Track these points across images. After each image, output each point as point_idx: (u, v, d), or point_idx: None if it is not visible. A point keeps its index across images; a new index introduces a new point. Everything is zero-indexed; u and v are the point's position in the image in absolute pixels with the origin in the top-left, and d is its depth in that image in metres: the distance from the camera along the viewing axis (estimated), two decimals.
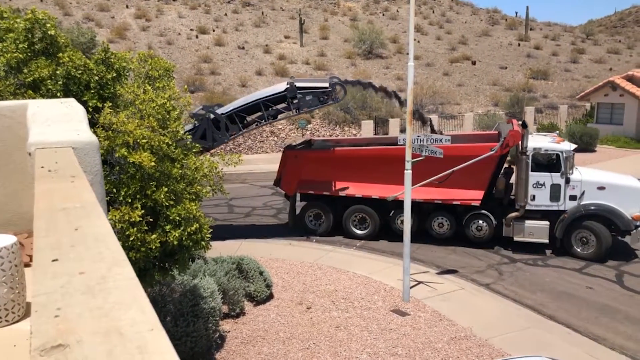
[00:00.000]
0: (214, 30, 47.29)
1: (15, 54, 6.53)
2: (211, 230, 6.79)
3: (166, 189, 5.95)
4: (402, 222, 13.67)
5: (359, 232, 14.37)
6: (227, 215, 16.86)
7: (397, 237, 13.70)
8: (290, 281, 11.41)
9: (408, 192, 10.38)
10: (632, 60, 49.96)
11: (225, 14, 52.29)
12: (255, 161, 25.09)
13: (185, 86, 9.12)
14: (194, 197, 6.44)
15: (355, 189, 14.10)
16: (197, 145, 7.59)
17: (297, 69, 40.74)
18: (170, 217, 5.99)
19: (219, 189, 7.37)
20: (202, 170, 6.63)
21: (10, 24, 6.86)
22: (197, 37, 45.04)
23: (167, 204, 5.96)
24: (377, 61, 44.27)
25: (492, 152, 12.62)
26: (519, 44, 52.95)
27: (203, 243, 6.49)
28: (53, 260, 1.30)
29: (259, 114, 14.50)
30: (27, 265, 3.04)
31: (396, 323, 9.54)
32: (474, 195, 13.20)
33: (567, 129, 30.29)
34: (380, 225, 14.21)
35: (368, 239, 14.14)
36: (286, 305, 10.30)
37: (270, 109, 14.27)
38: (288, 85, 13.92)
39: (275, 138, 28.64)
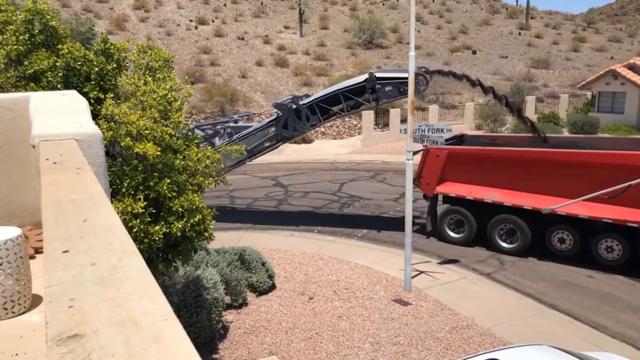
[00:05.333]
0: (213, 21, 47.08)
1: (16, 46, 6.51)
2: (214, 221, 6.81)
3: (169, 181, 5.95)
4: (558, 240, 11.83)
5: (505, 245, 12.39)
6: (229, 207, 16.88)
7: (549, 255, 11.98)
8: (292, 272, 11.46)
9: (409, 185, 10.35)
10: (633, 48, 49.77)
11: (225, 5, 52.02)
12: None
13: (186, 77, 9.09)
14: (196, 189, 6.45)
15: (505, 196, 12.11)
16: (198, 136, 7.59)
17: (297, 60, 40.57)
18: (173, 209, 6.00)
19: (221, 180, 7.37)
20: (204, 161, 6.63)
21: (8, 17, 6.83)
22: (196, 28, 44.84)
23: (170, 195, 5.96)
24: (378, 51, 44.09)
25: None
26: (519, 33, 52.72)
27: (206, 234, 6.50)
28: (64, 252, 1.30)
29: (342, 105, 14.42)
30: (31, 257, 3.05)
31: (398, 313, 9.58)
32: None
33: (568, 118, 30.24)
34: (532, 240, 12.15)
35: (516, 255, 12.26)
36: (288, 295, 10.34)
37: (350, 99, 14.26)
38: (368, 76, 13.97)
39: None
